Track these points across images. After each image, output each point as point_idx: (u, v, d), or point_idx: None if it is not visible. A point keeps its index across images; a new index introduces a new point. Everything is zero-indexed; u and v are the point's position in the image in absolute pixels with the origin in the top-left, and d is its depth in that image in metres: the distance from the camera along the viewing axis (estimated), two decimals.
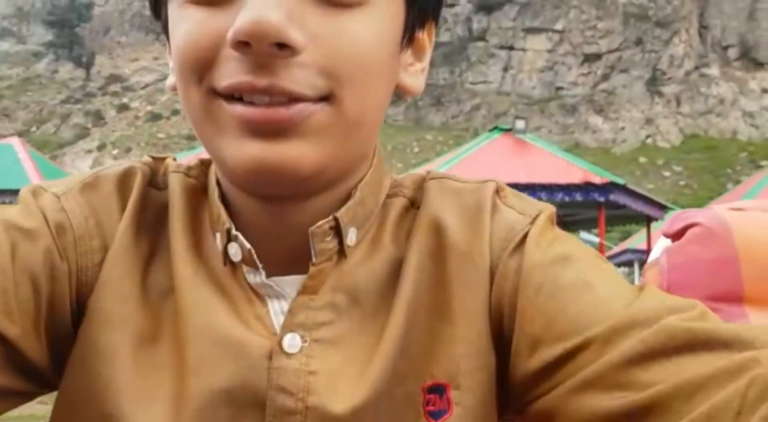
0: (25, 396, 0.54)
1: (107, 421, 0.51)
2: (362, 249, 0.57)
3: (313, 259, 0.54)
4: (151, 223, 0.58)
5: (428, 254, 0.57)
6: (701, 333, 0.45)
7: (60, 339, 0.54)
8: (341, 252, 0.55)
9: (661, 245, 0.92)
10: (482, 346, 0.54)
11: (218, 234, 0.56)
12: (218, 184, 0.57)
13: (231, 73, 0.48)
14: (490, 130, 13.14)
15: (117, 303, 0.53)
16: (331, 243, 0.55)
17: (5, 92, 65.54)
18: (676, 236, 0.88)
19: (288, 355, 0.52)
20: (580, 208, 11.22)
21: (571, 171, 10.73)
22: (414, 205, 0.60)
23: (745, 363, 0.41)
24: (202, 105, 0.50)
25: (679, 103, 53.15)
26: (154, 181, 0.60)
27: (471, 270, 0.55)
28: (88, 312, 0.54)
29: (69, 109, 64.51)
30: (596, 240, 10.21)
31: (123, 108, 64.49)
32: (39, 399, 0.54)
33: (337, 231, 0.55)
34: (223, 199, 0.57)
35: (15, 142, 11.96)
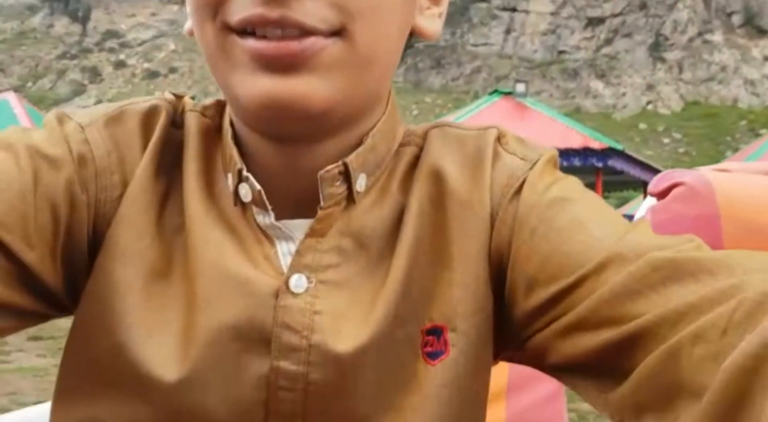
0: (40, 318, 0.56)
1: (118, 351, 0.53)
2: (371, 196, 0.58)
3: (321, 203, 0.55)
4: (168, 161, 0.59)
5: (429, 201, 0.58)
6: (685, 264, 0.46)
7: (75, 267, 0.56)
8: (350, 197, 0.56)
9: (647, 203, 0.95)
10: (479, 290, 0.56)
11: (230, 175, 0.57)
12: (232, 125, 0.58)
13: (243, 6, 0.49)
14: (491, 93, 13.08)
15: (133, 238, 0.55)
16: (339, 189, 0.55)
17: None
18: (661, 195, 0.91)
19: (294, 295, 0.54)
20: (578, 174, 11.09)
21: (570, 136, 10.73)
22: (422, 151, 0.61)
23: (728, 291, 0.43)
24: (216, 41, 0.52)
25: (681, 69, 52.70)
26: (174, 120, 0.61)
27: (470, 218, 0.57)
28: (104, 245, 0.55)
29: (65, 64, 63.80)
30: None
31: (120, 65, 63.77)
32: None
33: (347, 176, 0.55)
34: (236, 140, 0.57)
35: (11, 97, 11.82)
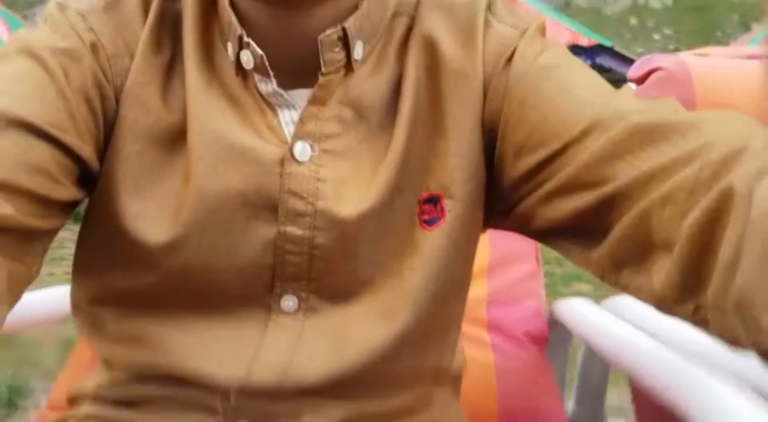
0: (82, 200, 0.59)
1: (128, 221, 0.56)
2: (368, 65, 0.59)
3: (323, 68, 0.56)
4: (168, 35, 0.59)
5: (425, 70, 0.59)
6: (660, 126, 0.48)
7: None
8: (348, 65, 0.58)
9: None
10: (473, 159, 0.59)
11: (230, 44, 0.58)
12: None
13: None
14: None
15: (140, 113, 0.57)
16: (339, 55, 0.57)
17: None
18: (640, 80, 0.92)
19: (299, 163, 0.56)
20: None
21: (559, 32, 10.49)
22: (414, 22, 0.62)
23: (695, 151, 0.45)
24: None
25: None
26: None
27: (464, 87, 0.58)
28: (115, 124, 0.57)
29: None
30: None
31: None
32: None
33: (345, 42, 0.57)
34: (234, 8, 0.58)
35: None
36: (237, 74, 0.58)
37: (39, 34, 0.55)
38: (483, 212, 0.61)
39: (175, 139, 0.57)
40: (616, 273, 0.49)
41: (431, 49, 0.59)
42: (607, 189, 0.49)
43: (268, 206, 0.56)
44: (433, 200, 0.59)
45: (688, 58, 0.92)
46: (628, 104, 0.52)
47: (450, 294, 0.62)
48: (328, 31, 0.55)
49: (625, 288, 0.49)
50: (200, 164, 0.55)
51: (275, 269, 0.57)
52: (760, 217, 0.36)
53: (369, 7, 0.58)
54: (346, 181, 0.57)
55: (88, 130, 0.54)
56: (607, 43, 10.83)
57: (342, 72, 0.58)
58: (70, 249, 0.60)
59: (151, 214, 0.56)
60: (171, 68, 0.59)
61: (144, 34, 0.58)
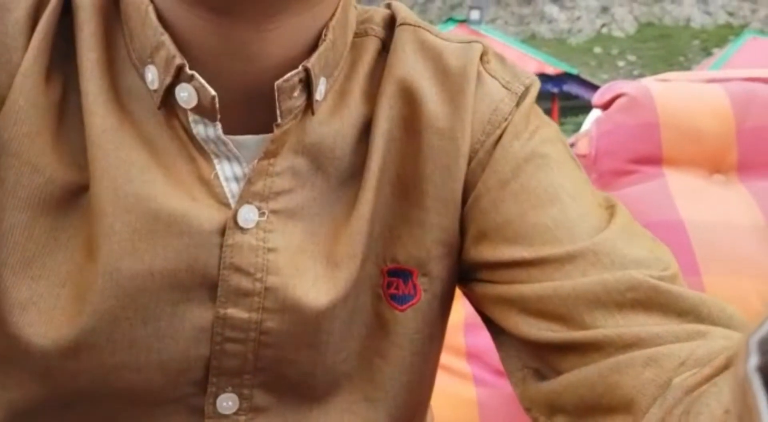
0: None
1: (16, 314, 0.43)
2: (328, 103, 0.48)
3: (279, 120, 0.45)
4: (60, 57, 0.45)
5: (401, 122, 0.49)
6: (663, 296, 0.42)
7: None
8: (308, 108, 0.47)
9: (592, 116, 0.99)
10: (452, 231, 0.50)
11: (151, 68, 0.44)
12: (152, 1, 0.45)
13: None
14: (445, 22, 12.93)
15: (26, 173, 0.43)
16: (299, 100, 0.45)
17: None
18: (605, 106, 0.95)
19: (243, 230, 0.45)
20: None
21: (526, 62, 10.72)
22: (386, 50, 0.51)
23: (692, 334, 0.40)
24: None
25: None
26: (65, 3, 0.46)
27: (450, 151, 0.49)
28: None
29: None
30: None
31: None
32: None
33: (307, 84, 0.45)
34: (162, 23, 0.44)
35: None
36: (159, 107, 0.45)
37: None
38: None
39: (72, 198, 0.44)
40: (548, 415, 0.44)
41: (410, 98, 0.49)
42: (581, 333, 0.42)
43: (203, 285, 0.44)
44: (403, 275, 0.49)
45: (650, 83, 0.95)
46: (625, 245, 0.45)
47: (422, 385, 0.54)
48: (288, 75, 0.44)
49: None
50: (113, 240, 0.43)
51: (210, 362, 0.45)
52: None
53: (334, 37, 0.47)
54: (301, 250, 0.46)
55: None
56: (573, 71, 11.07)
57: (299, 117, 0.47)
58: None
59: (43, 303, 0.43)
60: (64, 106, 0.45)
61: (26, 60, 0.43)
